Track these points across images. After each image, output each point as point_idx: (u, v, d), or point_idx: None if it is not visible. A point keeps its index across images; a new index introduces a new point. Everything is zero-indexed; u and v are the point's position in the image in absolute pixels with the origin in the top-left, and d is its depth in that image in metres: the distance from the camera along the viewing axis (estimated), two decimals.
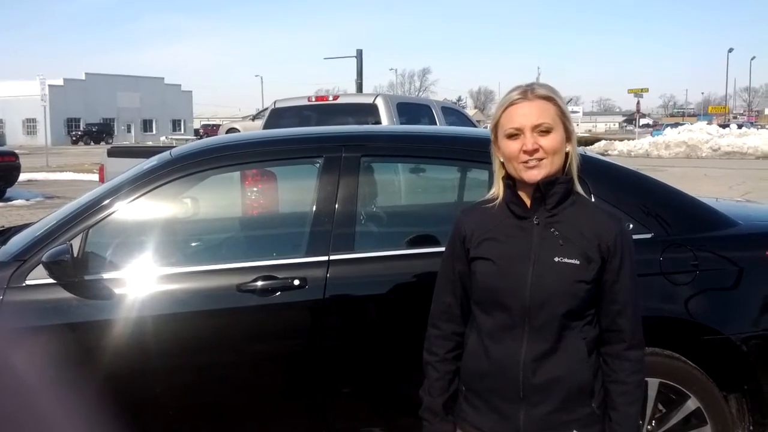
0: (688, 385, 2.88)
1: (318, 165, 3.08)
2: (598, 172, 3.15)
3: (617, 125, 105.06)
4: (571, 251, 1.81)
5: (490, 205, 1.92)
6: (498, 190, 1.90)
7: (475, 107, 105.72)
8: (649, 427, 2.90)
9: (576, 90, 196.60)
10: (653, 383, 2.86)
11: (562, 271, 1.80)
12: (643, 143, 33.30)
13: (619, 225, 1.90)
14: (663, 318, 2.95)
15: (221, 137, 3.93)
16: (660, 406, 2.95)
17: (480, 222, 1.91)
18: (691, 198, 3.24)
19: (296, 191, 3.63)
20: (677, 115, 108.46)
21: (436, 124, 9.07)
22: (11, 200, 15.43)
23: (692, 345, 2.93)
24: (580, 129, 66.00)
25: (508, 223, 1.87)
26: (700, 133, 31.97)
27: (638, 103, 47.12)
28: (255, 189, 4.97)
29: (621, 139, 38.31)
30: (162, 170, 3.07)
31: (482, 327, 1.88)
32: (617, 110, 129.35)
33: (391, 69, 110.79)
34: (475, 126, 10.66)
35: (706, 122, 43.91)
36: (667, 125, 51.19)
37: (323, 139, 3.35)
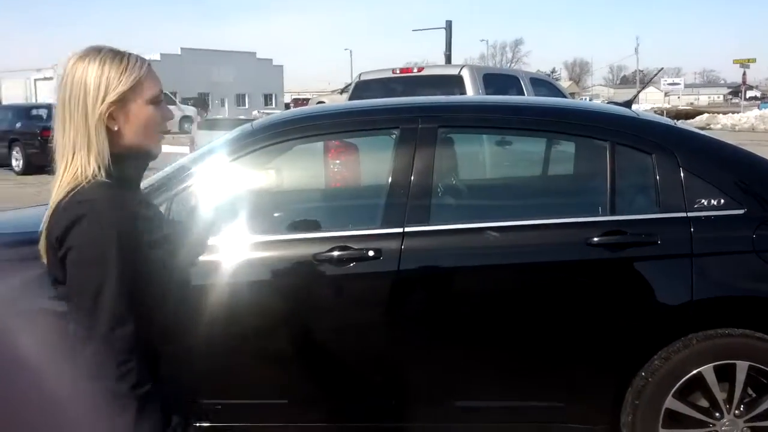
0: None
1: (394, 136, 3.06)
2: (689, 145, 3.01)
3: (721, 98, 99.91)
4: None
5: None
6: (100, 165, 1.56)
7: (570, 79, 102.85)
8: (737, 411, 2.78)
9: (677, 61, 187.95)
10: (742, 366, 2.73)
11: None
12: (748, 117, 31.63)
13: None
14: (754, 298, 2.81)
15: (299, 109, 3.96)
16: (750, 391, 2.81)
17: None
18: None
19: (374, 163, 3.63)
20: None
21: (524, 95, 8.86)
22: None
23: None
24: (681, 102, 63.09)
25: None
26: None
27: (744, 74, 44.64)
28: (337, 161, 5.02)
29: (725, 113, 36.47)
30: (242, 141, 3.14)
31: None
32: (722, 82, 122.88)
33: (482, 40, 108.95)
34: (566, 98, 10.36)
35: None
36: None
37: (399, 110, 3.33)
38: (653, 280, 2.80)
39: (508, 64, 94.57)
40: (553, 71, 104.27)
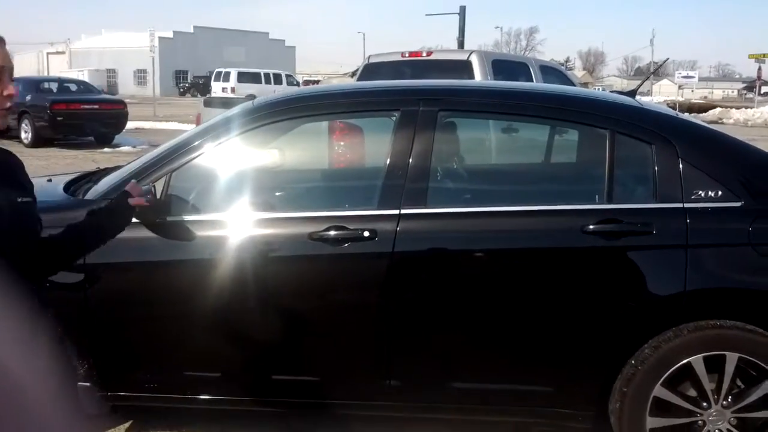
0: None
1: (394, 118, 3.06)
2: (689, 136, 3.00)
3: (736, 92, 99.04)
4: None
5: None
6: None
7: (584, 69, 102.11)
8: (725, 402, 2.79)
9: (692, 54, 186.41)
10: (732, 357, 2.74)
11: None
12: (762, 112, 31.32)
13: None
14: (748, 291, 2.81)
15: (301, 88, 3.97)
16: (738, 382, 2.82)
17: None
18: None
19: (373, 145, 3.64)
20: None
21: (533, 83, 8.82)
22: (119, 146, 16.24)
23: None
24: (695, 95, 62.60)
25: None
26: None
27: (759, 69, 44.07)
28: (341, 143, 5.03)
29: (738, 107, 36.14)
30: (241, 119, 3.15)
31: None
32: (737, 76, 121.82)
33: (497, 27, 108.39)
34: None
35: None
36: None
37: (400, 92, 3.32)
38: (647, 270, 2.81)
39: (523, 52, 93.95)
40: (567, 60, 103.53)
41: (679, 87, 56.32)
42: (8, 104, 1.81)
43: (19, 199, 1.89)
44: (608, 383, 2.87)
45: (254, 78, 36.95)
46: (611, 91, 6.53)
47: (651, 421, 2.82)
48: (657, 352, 2.78)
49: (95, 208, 2.38)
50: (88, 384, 3.05)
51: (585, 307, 2.84)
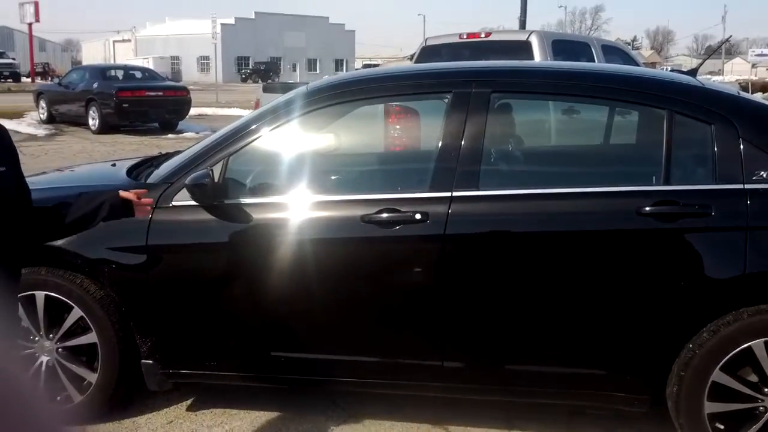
0: None
1: (447, 100, 3.06)
2: (751, 115, 2.91)
3: None
4: None
5: None
6: None
7: (652, 48, 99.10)
8: None
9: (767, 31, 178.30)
10: None
11: None
12: None
13: None
14: None
15: (352, 72, 3.99)
16: None
17: None
18: None
19: (428, 127, 3.64)
20: None
21: (594, 63, 8.63)
22: (182, 132, 16.62)
23: None
24: (765, 73, 59.99)
25: None
26: None
27: None
28: (397, 126, 5.05)
29: None
30: (297, 103, 3.20)
31: None
32: None
33: (560, 6, 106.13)
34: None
35: None
36: None
37: (452, 74, 3.30)
38: (705, 252, 2.74)
39: (587, 32, 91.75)
40: (634, 40, 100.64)
41: (753, 65, 54.14)
42: None
43: None
44: (665, 367, 2.83)
45: None
46: (671, 71, 6.35)
47: (709, 406, 2.77)
48: (716, 336, 2.72)
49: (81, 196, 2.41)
50: (151, 362, 3.18)
51: (640, 289, 2.79)
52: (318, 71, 71.57)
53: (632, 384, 2.88)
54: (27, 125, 17.56)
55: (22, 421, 0.80)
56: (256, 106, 8.84)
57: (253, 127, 3.18)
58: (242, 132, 3.17)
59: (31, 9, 43.67)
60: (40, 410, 0.85)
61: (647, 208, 2.76)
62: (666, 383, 2.84)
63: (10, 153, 2.07)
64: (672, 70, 6.12)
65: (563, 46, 8.62)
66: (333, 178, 3.61)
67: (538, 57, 8.06)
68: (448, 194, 2.90)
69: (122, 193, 2.46)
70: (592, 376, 2.90)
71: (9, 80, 43.57)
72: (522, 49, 8.20)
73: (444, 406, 3.32)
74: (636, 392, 2.89)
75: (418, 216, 2.88)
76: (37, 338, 3.22)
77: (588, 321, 2.86)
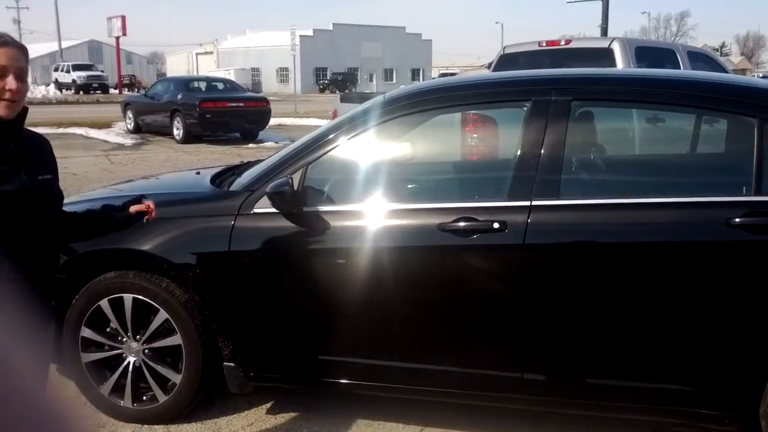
0: None
1: (526, 108, 3.02)
2: None
3: None
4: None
5: None
6: None
7: (742, 54, 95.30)
8: None
9: None
10: None
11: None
12: None
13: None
14: None
15: (429, 81, 4.00)
16: None
17: None
18: None
19: (506, 136, 3.61)
20: None
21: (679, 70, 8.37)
22: (262, 142, 17.01)
23: None
24: None
25: None
26: None
27: None
28: (475, 135, 5.03)
29: None
30: (373, 113, 3.23)
31: None
32: None
33: (644, 12, 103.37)
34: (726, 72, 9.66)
35: None
36: None
37: (532, 82, 3.26)
38: None
39: (672, 38, 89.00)
40: (723, 46, 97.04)
41: None
42: (7, 96, 2.04)
43: (40, 177, 2.17)
44: (759, 385, 2.70)
45: None
46: (763, 77, 6.09)
47: None
48: None
49: (110, 204, 2.70)
50: (232, 364, 3.26)
51: (729, 302, 2.68)
52: (395, 81, 71.97)
53: (722, 401, 2.76)
54: (115, 135, 18.36)
55: (23, 420, 0.82)
56: (334, 116, 8.98)
57: (331, 136, 3.22)
58: (320, 141, 3.23)
59: (118, 23, 45.75)
60: (45, 411, 0.86)
61: (737, 219, 2.65)
62: (759, 402, 2.72)
63: (54, 162, 2.32)
64: (763, 77, 5.87)
65: (647, 53, 8.39)
66: (410, 186, 3.62)
67: (621, 64, 7.88)
68: (527, 203, 2.86)
69: (134, 207, 2.66)
70: (679, 392, 2.80)
71: (98, 92, 45.76)
72: (604, 56, 8.03)
73: (527, 420, 3.26)
74: (726, 410, 2.77)
75: (496, 225, 2.85)
76: (125, 339, 3.35)
77: (674, 335, 2.76)
